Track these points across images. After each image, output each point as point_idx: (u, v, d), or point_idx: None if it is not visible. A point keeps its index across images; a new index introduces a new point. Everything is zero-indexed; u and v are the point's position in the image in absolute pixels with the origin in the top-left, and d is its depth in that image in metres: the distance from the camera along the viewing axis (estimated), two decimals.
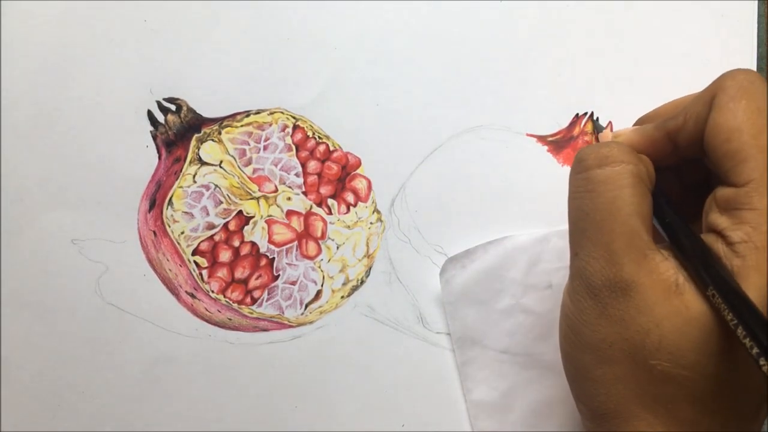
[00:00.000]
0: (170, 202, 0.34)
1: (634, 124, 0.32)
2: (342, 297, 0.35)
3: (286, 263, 0.34)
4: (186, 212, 0.34)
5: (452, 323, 0.34)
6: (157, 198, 0.34)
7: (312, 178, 0.35)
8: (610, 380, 0.24)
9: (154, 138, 0.34)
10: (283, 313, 0.34)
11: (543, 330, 0.34)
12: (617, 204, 0.24)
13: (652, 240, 0.25)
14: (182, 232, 0.34)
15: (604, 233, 0.24)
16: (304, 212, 0.34)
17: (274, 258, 0.34)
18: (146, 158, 0.34)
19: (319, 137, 0.35)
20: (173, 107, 0.34)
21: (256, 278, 0.34)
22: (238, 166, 0.34)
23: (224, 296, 0.34)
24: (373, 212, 0.35)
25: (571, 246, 0.26)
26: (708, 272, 0.23)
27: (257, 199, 0.34)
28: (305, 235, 0.34)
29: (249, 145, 0.34)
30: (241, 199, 0.34)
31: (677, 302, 0.23)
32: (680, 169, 0.30)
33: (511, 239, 0.34)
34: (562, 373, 0.28)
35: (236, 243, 0.34)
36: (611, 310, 0.24)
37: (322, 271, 0.34)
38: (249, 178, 0.34)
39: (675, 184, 0.30)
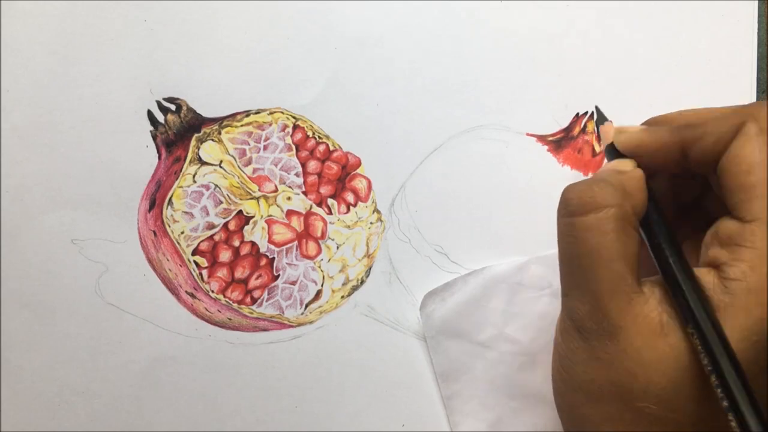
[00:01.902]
0: (170, 202, 0.34)
1: (643, 124, 0.31)
2: (342, 297, 0.35)
3: (286, 263, 0.34)
4: (186, 212, 0.34)
5: (435, 357, 0.34)
6: (157, 198, 0.34)
7: (312, 178, 0.35)
8: (598, 419, 0.25)
9: (154, 138, 0.34)
10: (283, 313, 0.34)
11: (527, 359, 0.33)
12: (600, 251, 0.24)
13: (638, 279, 0.25)
14: (182, 232, 0.34)
15: (589, 279, 0.24)
16: (304, 212, 0.34)
17: (274, 258, 0.34)
18: (146, 158, 0.34)
19: (319, 137, 0.35)
20: (173, 107, 0.34)
21: (256, 278, 0.34)
22: (238, 166, 0.34)
23: (224, 296, 0.34)
24: (373, 212, 0.35)
25: (562, 284, 0.26)
26: (690, 311, 0.23)
27: (257, 199, 0.34)
28: (305, 234, 0.34)
29: (249, 144, 0.34)
30: (241, 199, 0.34)
31: (662, 344, 0.23)
32: (675, 183, 0.29)
33: (490, 269, 0.34)
34: (550, 401, 0.28)
35: (236, 243, 0.34)
36: (600, 353, 0.24)
37: (322, 270, 0.34)
38: (249, 177, 0.34)
39: (669, 199, 0.30)
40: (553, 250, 0.27)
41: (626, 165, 0.27)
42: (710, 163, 0.25)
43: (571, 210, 0.25)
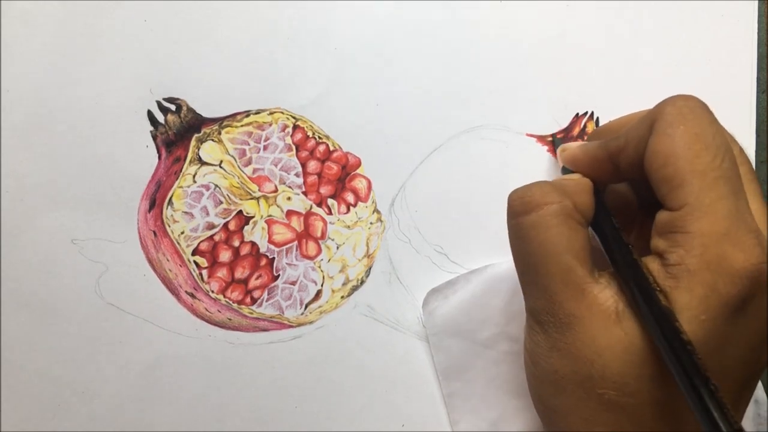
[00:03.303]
0: (170, 202, 0.34)
1: (588, 137, 0.33)
2: (342, 297, 0.35)
3: (286, 263, 0.34)
4: (186, 212, 0.34)
5: (436, 355, 0.34)
6: (157, 198, 0.34)
7: (312, 178, 0.35)
8: (565, 410, 0.25)
9: (154, 138, 0.34)
10: (283, 313, 0.34)
11: None
12: (546, 246, 0.25)
13: (591, 271, 0.25)
14: (182, 232, 0.34)
15: (540, 275, 0.25)
16: (304, 212, 0.34)
17: (274, 258, 0.34)
18: (146, 158, 0.34)
19: (319, 137, 0.35)
20: (173, 107, 0.34)
21: (256, 278, 0.34)
22: (238, 166, 0.34)
23: (224, 296, 0.34)
24: (373, 212, 0.35)
25: (520, 285, 0.28)
26: (641, 294, 0.24)
27: (257, 199, 0.34)
28: (305, 235, 0.34)
29: (249, 145, 0.34)
30: (241, 199, 0.34)
31: (617, 330, 0.24)
32: (637, 187, 0.30)
33: (492, 268, 0.34)
34: None
35: (236, 243, 0.34)
36: (560, 344, 0.25)
37: (322, 271, 0.34)
38: (249, 178, 0.34)
39: (632, 204, 0.31)
40: None
41: (572, 176, 0.29)
42: (639, 168, 0.26)
43: (515, 211, 0.27)
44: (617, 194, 0.31)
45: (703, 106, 0.25)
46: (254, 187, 0.34)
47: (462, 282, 0.34)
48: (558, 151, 0.32)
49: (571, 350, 0.25)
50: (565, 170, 0.31)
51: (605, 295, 0.25)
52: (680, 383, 0.22)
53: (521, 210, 0.26)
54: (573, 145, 0.30)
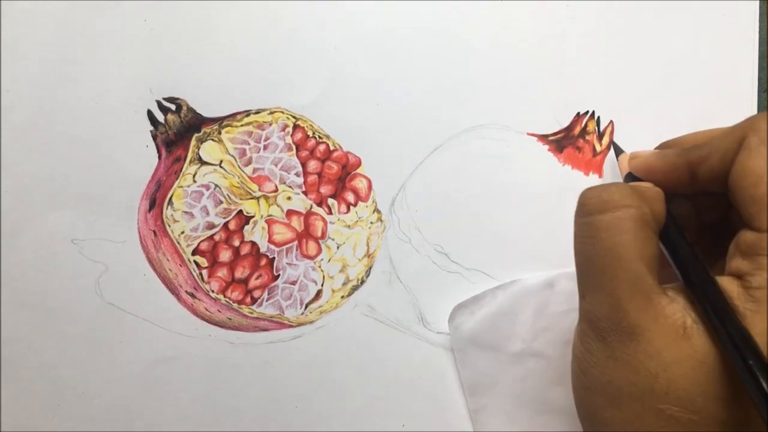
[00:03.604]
0: (170, 202, 0.34)
1: (656, 148, 0.32)
2: (342, 297, 0.35)
3: (287, 263, 0.34)
4: (186, 212, 0.34)
5: (462, 370, 0.34)
6: (157, 198, 0.34)
7: (312, 178, 0.35)
8: (619, 423, 0.24)
9: (154, 138, 0.34)
10: (283, 312, 0.34)
11: (555, 374, 0.33)
12: (619, 250, 0.24)
13: (658, 282, 0.25)
14: (182, 232, 0.34)
15: (607, 279, 0.24)
16: (304, 212, 0.34)
17: (274, 258, 0.34)
18: (146, 158, 0.34)
19: (319, 137, 0.35)
20: (173, 107, 0.34)
21: (256, 278, 0.34)
22: (238, 166, 0.34)
23: (224, 296, 0.34)
24: (374, 212, 0.35)
25: (579, 287, 0.26)
26: (716, 313, 0.23)
27: (257, 198, 0.34)
28: (305, 234, 0.34)
29: (249, 144, 0.34)
30: (241, 199, 0.34)
31: (685, 346, 0.23)
32: (699, 203, 0.30)
33: (519, 283, 0.34)
34: (577, 417, 0.27)
35: (236, 243, 0.34)
36: (619, 354, 0.24)
37: (322, 270, 0.34)
38: (249, 177, 0.34)
39: (692, 219, 0.30)
40: None
41: (644, 184, 0.28)
42: (720, 181, 0.25)
43: (589, 209, 0.25)
44: (680, 207, 0.30)
45: None
46: (254, 186, 0.34)
47: (488, 297, 0.34)
48: (624, 157, 0.31)
49: (631, 362, 0.24)
50: (630, 178, 0.30)
51: (673, 308, 0.24)
52: (760, 407, 0.21)
53: (597, 208, 0.25)
54: (646, 153, 0.29)
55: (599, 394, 0.25)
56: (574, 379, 0.27)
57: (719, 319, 0.23)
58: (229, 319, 0.34)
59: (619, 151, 0.33)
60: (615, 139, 0.35)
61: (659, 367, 0.23)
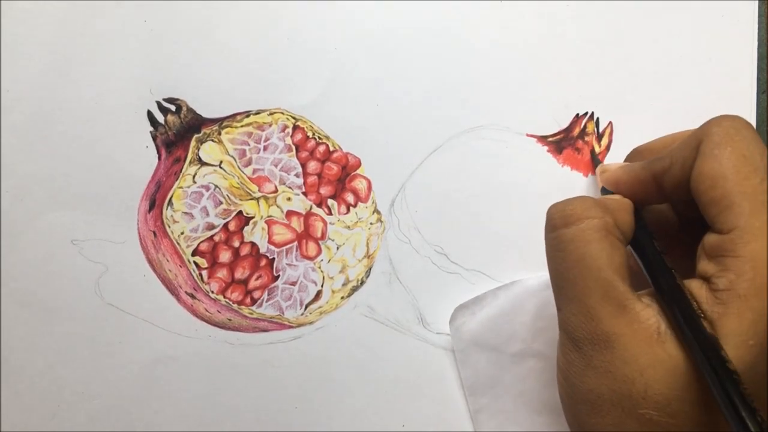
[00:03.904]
0: (170, 203, 0.34)
1: (626, 157, 0.32)
2: (342, 297, 0.35)
3: (286, 264, 0.34)
4: (186, 212, 0.34)
5: (463, 370, 0.34)
6: (156, 198, 0.34)
7: (312, 179, 0.35)
8: (602, 429, 0.25)
9: (154, 138, 0.34)
10: (283, 313, 0.34)
11: (554, 374, 0.33)
12: (587, 261, 0.25)
13: (632, 289, 0.25)
14: (182, 233, 0.34)
15: (579, 290, 0.25)
16: (304, 213, 0.34)
17: (274, 258, 0.34)
18: (146, 158, 0.34)
19: (319, 138, 0.35)
20: (173, 107, 0.34)
21: (256, 279, 0.34)
22: (238, 167, 0.34)
23: (224, 297, 0.34)
24: (373, 212, 0.35)
25: (555, 301, 0.27)
26: (685, 320, 0.23)
27: (257, 199, 0.34)
28: (305, 235, 0.34)
29: (249, 145, 0.34)
30: (241, 200, 0.34)
31: (659, 350, 0.24)
32: (678, 203, 0.30)
33: (520, 284, 0.34)
34: None
35: (236, 243, 0.34)
36: (596, 362, 0.25)
37: (322, 271, 0.34)
38: (249, 178, 0.34)
39: (672, 220, 0.30)
40: None
41: (612, 196, 0.29)
42: (684, 188, 0.26)
43: (555, 224, 0.26)
44: (657, 214, 0.30)
45: (749, 127, 0.25)
46: (254, 187, 0.34)
47: (489, 298, 0.34)
48: (597, 171, 0.32)
49: (609, 369, 0.24)
50: (605, 191, 0.31)
51: (647, 313, 0.24)
52: (726, 413, 0.21)
53: (561, 223, 0.26)
54: (614, 166, 0.30)
55: (582, 402, 0.25)
56: (559, 387, 0.27)
57: (688, 325, 0.23)
58: (229, 319, 0.34)
59: (596, 163, 0.34)
60: (614, 140, 0.35)
61: (635, 372, 0.24)
